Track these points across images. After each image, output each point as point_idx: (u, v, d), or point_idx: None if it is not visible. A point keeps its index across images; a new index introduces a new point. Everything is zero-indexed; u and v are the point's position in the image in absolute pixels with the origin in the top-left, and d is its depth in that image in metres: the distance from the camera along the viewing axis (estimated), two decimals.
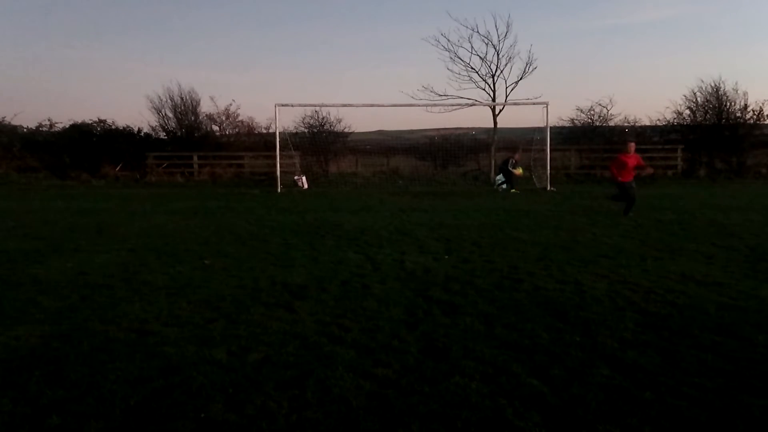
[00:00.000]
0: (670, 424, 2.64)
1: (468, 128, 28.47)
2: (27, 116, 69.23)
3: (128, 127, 23.16)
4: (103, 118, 23.26)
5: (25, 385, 3.10)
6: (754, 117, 21.75)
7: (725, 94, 21.77)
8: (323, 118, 22.50)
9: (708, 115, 22.15)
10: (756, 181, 18.98)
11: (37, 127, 23.95)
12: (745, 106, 21.67)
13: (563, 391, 2.98)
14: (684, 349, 3.57)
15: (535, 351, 3.56)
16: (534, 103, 18.71)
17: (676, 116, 22.79)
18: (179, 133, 23.15)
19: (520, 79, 20.05)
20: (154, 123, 23.50)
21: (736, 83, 29.46)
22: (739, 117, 21.72)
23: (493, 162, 19.83)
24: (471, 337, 3.83)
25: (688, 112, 22.64)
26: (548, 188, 16.95)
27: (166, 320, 4.25)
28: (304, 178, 18.66)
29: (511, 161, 16.57)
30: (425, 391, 2.98)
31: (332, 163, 22.36)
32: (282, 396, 2.94)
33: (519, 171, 16.60)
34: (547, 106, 17.87)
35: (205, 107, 23.81)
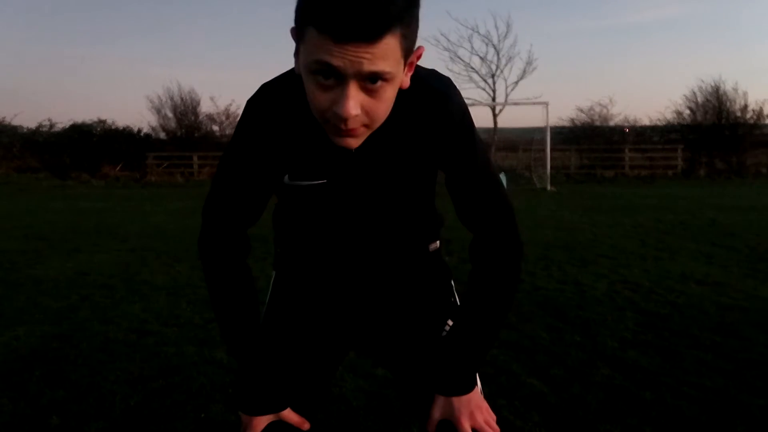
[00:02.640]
0: (670, 424, 2.64)
1: None
2: (27, 116, 69.30)
3: (128, 127, 23.29)
4: (103, 118, 23.38)
5: (25, 385, 3.10)
6: (754, 117, 21.79)
7: (725, 94, 21.84)
8: None
9: (708, 115, 22.19)
10: (756, 181, 18.98)
11: (37, 127, 24.03)
12: (745, 106, 21.74)
13: (563, 391, 2.98)
14: (684, 349, 3.56)
15: (535, 351, 3.56)
16: (534, 103, 18.81)
17: (676, 116, 22.89)
18: (179, 133, 23.19)
19: (520, 79, 20.19)
20: (154, 123, 23.63)
21: (736, 83, 29.58)
22: (739, 117, 21.75)
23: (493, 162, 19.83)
24: None
25: (688, 112, 22.72)
26: (548, 188, 16.96)
27: (166, 320, 4.24)
28: None
29: None
30: None
31: None
32: None
33: None
34: (547, 106, 17.89)
35: (205, 107, 23.99)
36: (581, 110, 24.25)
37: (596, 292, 4.96)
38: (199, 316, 4.33)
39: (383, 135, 1.03)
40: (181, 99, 23.13)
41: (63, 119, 34.09)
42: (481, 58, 20.40)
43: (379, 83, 0.90)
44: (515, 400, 2.87)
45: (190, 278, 5.60)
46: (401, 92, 0.98)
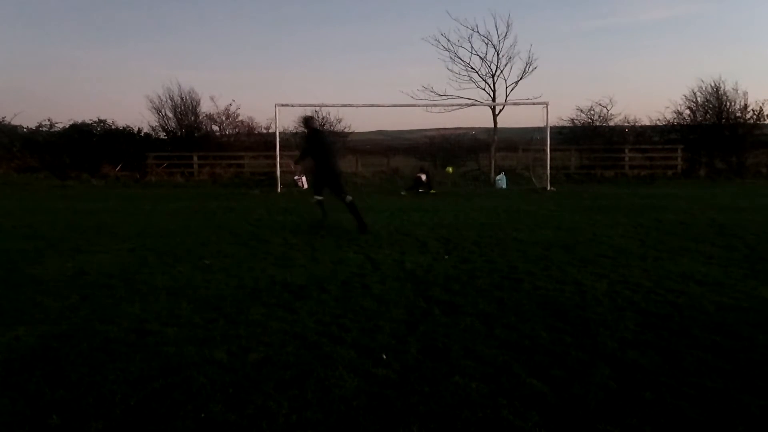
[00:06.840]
0: (670, 424, 2.64)
1: (468, 128, 28.51)
2: (27, 116, 69.21)
3: (128, 127, 23.22)
4: (103, 118, 23.30)
5: (25, 385, 3.10)
6: (754, 117, 21.77)
7: (725, 94, 21.81)
8: (323, 118, 22.52)
9: (708, 115, 22.18)
10: (756, 181, 18.98)
11: (37, 127, 24.00)
12: (745, 106, 21.72)
13: (563, 391, 2.98)
14: (684, 349, 3.57)
15: (535, 351, 3.56)
16: (534, 103, 18.72)
17: (676, 116, 22.85)
18: (179, 133, 23.17)
19: (520, 79, 20.07)
20: (154, 123, 23.57)
21: (736, 83, 29.44)
22: (739, 117, 21.74)
23: (493, 162, 19.84)
24: (471, 337, 3.83)
25: (688, 112, 22.70)
26: (548, 188, 16.96)
27: (166, 320, 4.25)
28: (304, 178, 18.65)
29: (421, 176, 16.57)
30: (425, 391, 2.98)
31: None
32: (282, 396, 2.94)
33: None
34: (547, 106, 17.87)
35: (205, 107, 23.85)
36: (581, 110, 24.25)
37: (596, 292, 4.96)
38: (199, 316, 4.33)
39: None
40: (181, 99, 23.10)
41: (63, 119, 34.09)
42: (481, 58, 20.27)
43: None
44: (515, 400, 2.87)
45: (190, 278, 5.60)
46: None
